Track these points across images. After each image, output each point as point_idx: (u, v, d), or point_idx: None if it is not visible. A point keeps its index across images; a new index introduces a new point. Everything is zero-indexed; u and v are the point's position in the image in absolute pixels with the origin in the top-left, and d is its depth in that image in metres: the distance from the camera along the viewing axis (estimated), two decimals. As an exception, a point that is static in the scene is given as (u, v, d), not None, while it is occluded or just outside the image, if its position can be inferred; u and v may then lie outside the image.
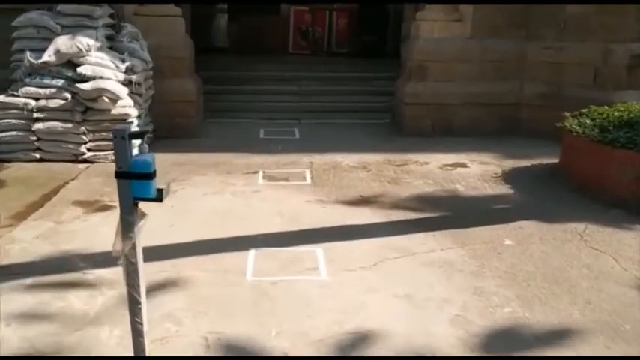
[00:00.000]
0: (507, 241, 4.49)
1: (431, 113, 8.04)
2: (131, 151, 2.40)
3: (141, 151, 2.45)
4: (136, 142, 2.45)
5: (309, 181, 6.05)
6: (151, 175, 2.40)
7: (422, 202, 5.40)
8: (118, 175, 2.40)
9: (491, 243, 4.45)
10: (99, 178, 6.05)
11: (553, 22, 7.82)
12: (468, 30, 7.99)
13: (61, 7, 6.99)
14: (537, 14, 7.94)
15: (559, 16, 7.76)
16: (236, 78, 9.57)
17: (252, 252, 4.22)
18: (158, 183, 2.46)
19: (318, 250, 4.26)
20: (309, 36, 11.73)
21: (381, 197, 5.50)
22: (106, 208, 5.17)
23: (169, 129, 7.79)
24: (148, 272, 3.78)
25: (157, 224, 4.77)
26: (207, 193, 5.57)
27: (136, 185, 2.40)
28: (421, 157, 6.96)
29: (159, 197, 2.41)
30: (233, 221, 4.86)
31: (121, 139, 2.37)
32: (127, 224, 2.43)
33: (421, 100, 8.00)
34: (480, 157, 7.00)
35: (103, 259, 3.93)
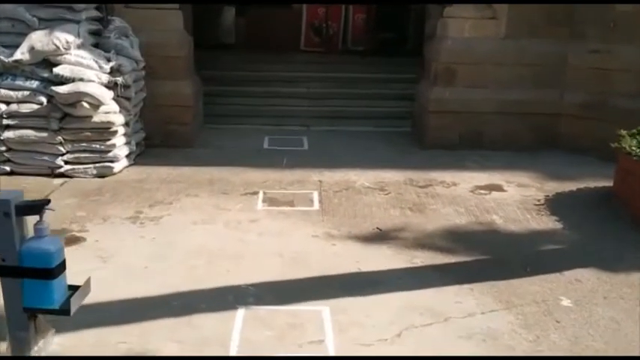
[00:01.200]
0: (565, 301, 3.56)
1: (458, 123, 7.10)
2: (22, 234, 1.50)
3: (38, 233, 1.55)
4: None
5: (316, 205, 5.15)
6: (51, 273, 1.50)
7: (452, 238, 4.48)
8: (2, 270, 1.51)
9: (544, 303, 3.52)
10: (73, 198, 5.19)
11: (600, 20, 6.83)
12: (502, 29, 7.01)
13: (38, -3, 6.13)
14: (582, 11, 6.95)
15: (607, 14, 6.76)
16: (241, 78, 8.67)
17: (240, 313, 3.32)
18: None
19: (325, 311, 3.35)
20: (323, 32, 10.78)
21: (403, 231, 4.58)
22: (73, 240, 4.30)
23: (162, 137, 6.93)
24: (106, 343, 2.94)
25: (131, 263, 3.92)
26: (196, 222, 4.68)
27: (29, 288, 1.51)
28: (448, 176, 6.02)
29: (64, 309, 1.52)
30: (222, 263, 3.97)
31: (4, 215, 1.47)
32: (19, 343, 1.55)
33: (447, 108, 7.05)
34: (516, 177, 6.05)
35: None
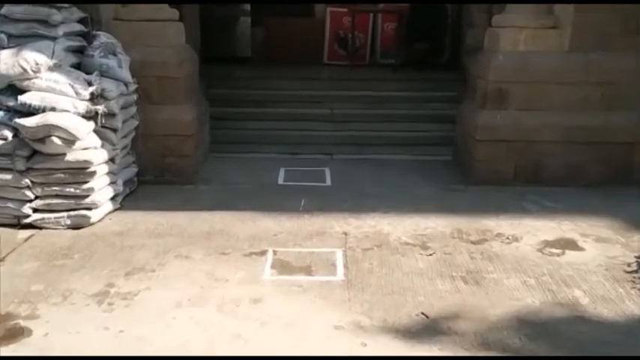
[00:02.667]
0: None
1: (513, 154, 5.88)
2: None
3: None
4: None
5: (341, 273, 3.99)
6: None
7: (527, 331, 3.27)
8: None
9: None
10: (34, 261, 4.12)
11: (689, 29, 5.58)
12: (565, 40, 5.79)
13: (6, 8, 5.11)
14: (665, 18, 5.70)
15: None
16: (255, 98, 7.60)
17: None
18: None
19: None
20: (349, 43, 9.65)
21: (458, 319, 3.40)
22: (14, 334, 3.22)
23: (158, 172, 5.87)
24: None
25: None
26: (180, 303, 3.56)
27: None
28: (505, 225, 4.83)
29: None
30: (207, 379, 2.85)
31: None
32: None
33: (499, 136, 5.84)
34: (591, 226, 4.82)
35: None
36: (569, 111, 5.81)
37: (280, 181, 6.06)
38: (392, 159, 6.80)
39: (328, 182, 6.07)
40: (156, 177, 5.86)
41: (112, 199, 5.15)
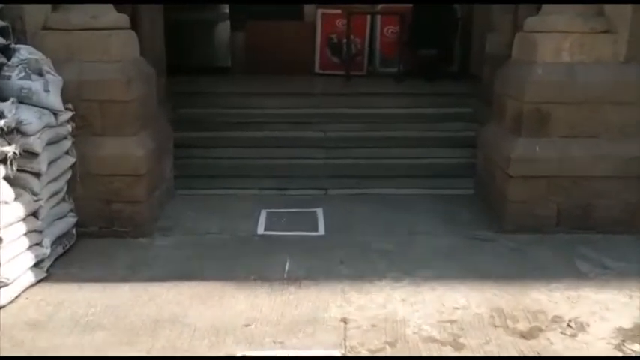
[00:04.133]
0: None
1: (556, 193, 4.62)
2: None
3: None
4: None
5: (340, 402, 2.72)
6: None
7: None
8: None
9: None
10: None
11: None
12: (622, 48, 4.54)
13: None
14: None
15: None
16: (232, 119, 6.33)
17: None
18: None
19: None
20: (344, 50, 8.38)
21: None
22: None
23: (104, 221, 4.60)
24: None
25: None
26: None
27: None
28: (561, 300, 3.58)
29: None
30: None
31: None
32: None
33: (539, 172, 4.59)
34: (676, 301, 3.57)
35: None
36: (627, 138, 4.56)
37: (260, 230, 4.78)
38: (399, 194, 5.54)
39: (321, 230, 4.79)
40: (101, 228, 4.59)
41: (35, 266, 3.87)
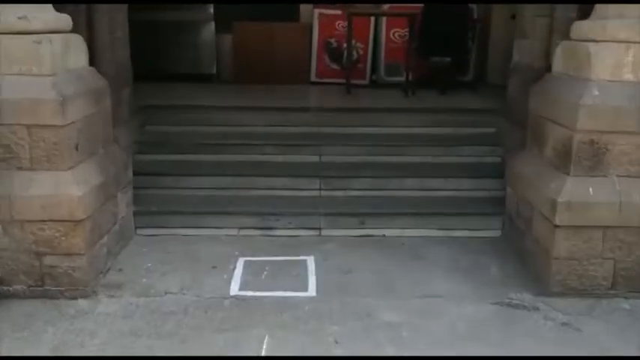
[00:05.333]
0: None
1: (614, 248, 3.60)
2: None
3: None
4: None
5: None
6: None
7: None
8: None
9: None
10: None
11: None
12: (702, 62, 3.52)
13: None
14: None
15: None
16: (210, 139, 5.30)
17: None
18: None
19: None
20: (344, 56, 7.36)
21: None
22: None
23: (34, 278, 3.59)
24: None
25: None
26: None
27: None
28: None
29: None
30: None
31: None
32: None
33: (593, 220, 3.57)
34: None
35: None
36: None
37: (234, 289, 3.75)
38: (410, 237, 4.52)
39: (311, 290, 3.76)
40: (29, 287, 3.60)
41: None
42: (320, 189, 4.90)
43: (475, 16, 7.37)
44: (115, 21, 4.89)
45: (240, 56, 7.48)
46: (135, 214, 4.52)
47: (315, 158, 5.19)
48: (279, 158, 5.16)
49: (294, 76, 7.45)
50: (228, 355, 3.05)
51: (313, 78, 7.62)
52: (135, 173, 4.65)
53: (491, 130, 5.46)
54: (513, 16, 7.32)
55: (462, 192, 4.90)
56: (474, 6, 7.32)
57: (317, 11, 7.58)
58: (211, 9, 7.46)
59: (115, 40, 4.93)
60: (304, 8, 7.81)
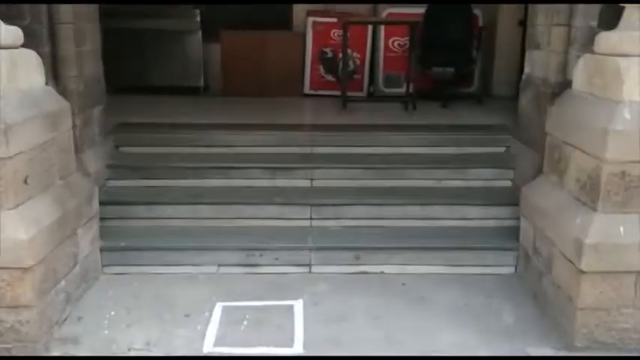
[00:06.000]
0: None
1: (648, 298, 3.11)
2: None
3: None
4: None
5: None
6: None
7: None
8: None
9: None
10: None
11: None
12: None
13: None
14: None
15: None
16: (190, 161, 4.79)
17: None
18: None
19: None
20: (339, 67, 6.88)
21: None
22: None
23: (-28, 337, 3.07)
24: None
25: None
26: None
27: None
28: None
29: None
30: None
31: None
32: None
33: (625, 265, 3.06)
34: None
35: None
36: None
37: (208, 346, 3.23)
38: (412, 274, 4.02)
39: (298, 346, 3.25)
40: (-31, 347, 3.08)
41: None
42: (311, 218, 4.39)
43: (480, 23, 6.87)
44: (82, 32, 4.39)
45: (229, 68, 7.00)
46: (102, 250, 4.02)
47: (306, 183, 4.69)
48: (266, 183, 4.66)
49: (287, 89, 6.97)
50: None
51: (307, 90, 7.13)
52: (103, 203, 4.16)
53: (500, 149, 4.96)
54: (521, 23, 6.92)
55: (469, 221, 4.39)
56: (479, 12, 6.82)
57: (311, 19, 7.09)
58: (198, 17, 6.97)
59: (84, 53, 4.43)
60: (297, 16, 7.34)
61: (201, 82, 7.11)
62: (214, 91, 7.19)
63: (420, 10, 6.70)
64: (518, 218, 4.15)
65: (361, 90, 7.06)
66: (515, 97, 6.95)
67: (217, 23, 7.05)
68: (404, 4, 6.80)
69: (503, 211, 4.37)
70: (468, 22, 6.66)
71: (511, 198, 4.41)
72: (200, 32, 7.01)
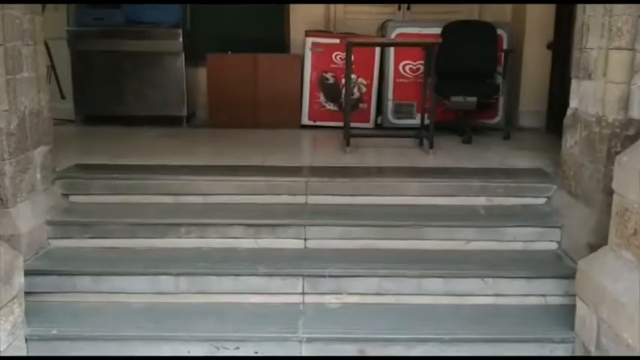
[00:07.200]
0: None
1: None
2: None
3: None
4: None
5: None
6: None
7: None
8: None
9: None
10: None
11: None
12: None
13: None
14: None
15: None
16: (149, 215, 3.86)
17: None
18: None
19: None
20: (341, 94, 5.98)
21: None
22: None
23: None
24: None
25: None
26: None
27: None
28: None
29: None
30: None
31: None
32: None
33: None
34: None
35: None
36: None
37: None
38: (433, 372, 3.04)
39: None
40: None
41: None
42: (303, 293, 3.43)
43: (504, 45, 5.97)
44: (17, 55, 3.49)
45: (216, 95, 6.11)
46: (28, 339, 3.07)
47: (298, 244, 3.74)
48: (248, 244, 3.72)
49: (282, 119, 6.09)
50: None
51: (305, 121, 6.23)
52: (37, 272, 3.25)
53: (540, 200, 4.01)
54: (549, 46, 6.05)
55: (505, 298, 3.42)
56: (503, 33, 5.92)
57: (310, 40, 6.21)
58: (180, 37, 6.08)
59: (20, 81, 3.53)
60: (295, 37, 6.47)
61: (184, 112, 6.22)
62: (199, 121, 6.31)
63: (434, 29, 5.82)
64: (569, 295, 3.21)
65: (367, 121, 6.16)
66: (543, 130, 6.08)
67: (202, 45, 6.19)
68: (418, 23, 5.91)
69: (550, 285, 3.41)
70: (492, 43, 5.76)
71: (559, 267, 3.47)
72: (183, 55, 6.12)
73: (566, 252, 3.61)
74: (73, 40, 6.05)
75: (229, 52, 6.20)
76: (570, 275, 3.29)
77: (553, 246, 3.71)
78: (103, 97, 6.11)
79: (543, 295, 3.41)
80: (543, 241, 3.73)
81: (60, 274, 3.39)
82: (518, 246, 3.72)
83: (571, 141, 3.84)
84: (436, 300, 3.41)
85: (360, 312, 3.33)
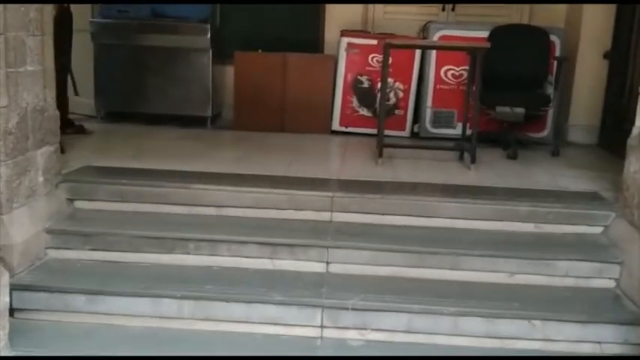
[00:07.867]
0: None
1: None
2: None
3: None
4: None
5: None
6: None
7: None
8: None
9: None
10: None
11: None
12: None
13: None
14: None
15: None
16: (153, 228, 3.50)
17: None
18: None
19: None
20: (376, 98, 5.56)
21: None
22: None
23: None
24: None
25: None
26: None
27: None
28: None
29: None
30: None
31: None
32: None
33: None
34: None
35: None
36: None
37: None
38: None
39: None
40: None
41: None
42: (322, 326, 3.03)
43: (557, 52, 5.46)
44: (20, 46, 3.18)
45: (243, 95, 5.74)
46: (10, 366, 2.73)
47: (319, 267, 3.34)
48: (263, 265, 3.33)
49: (311, 124, 5.70)
50: None
51: (336, 126, 5.82)
52: (28, 288, 2.92)
53: (596, 230, 3.53)
54: (606, 55, 5.53)
55: (555, 344, 2.96)
56: (556, 39, 5.42)
57: (346, 40, 5.78)
58: (208, 34, 5.74)
59: (23, 75, 3.22)
60: (329, 37, 6.07)
61: (209, 112, 5.87)
62: (224, 122, 5.97)
63: (481, 33, 5.35)
64: (630, 344, 2.75)
65: (403, 129, 5.72)
66: (595, 146, 5.54)
67: (230, 42, 5.85)
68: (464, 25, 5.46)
69: (607, 331, 2.94)
70: (544, 50, 5.26)
71: (617, 311, 3.01)
72: (210, 52, 5.78)
73: (626, 292, 3.13)
74: (97, 33, 5.77)
75: (259, 51, 5.83)
76: (631, 321, 2.85)
77: (610, 284, 3.23)
78: (125, 93, 5.82)
79: (599, 343, 2.94)
80: (599, 277, 3.25)
81: (51, 291, 3.05)
82: (570, 282, 3.25)
83: (636, 165, 3.35)
84: (474, 342, 2.97)
85: (386, 352, 2.91)
